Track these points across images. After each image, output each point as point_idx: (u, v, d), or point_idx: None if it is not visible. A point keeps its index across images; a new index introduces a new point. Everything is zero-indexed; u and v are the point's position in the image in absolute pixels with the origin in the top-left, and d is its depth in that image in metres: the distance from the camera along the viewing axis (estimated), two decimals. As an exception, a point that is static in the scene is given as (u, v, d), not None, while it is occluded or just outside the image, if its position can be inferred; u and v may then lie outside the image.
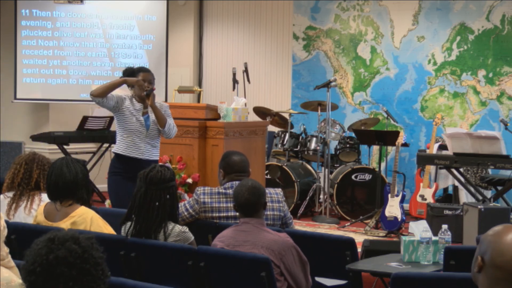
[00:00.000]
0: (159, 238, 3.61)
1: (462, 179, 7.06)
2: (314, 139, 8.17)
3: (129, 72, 5.32)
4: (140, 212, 3.63)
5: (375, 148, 8.45)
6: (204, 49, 10.15)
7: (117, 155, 5.29)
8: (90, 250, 1.88)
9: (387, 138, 7.41)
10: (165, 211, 3.62)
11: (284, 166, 7.80)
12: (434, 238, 4.17)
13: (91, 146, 8.86)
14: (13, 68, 8.81)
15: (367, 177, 7.70)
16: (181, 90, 7.43)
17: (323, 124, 8.09)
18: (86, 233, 2.05)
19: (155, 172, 3.66)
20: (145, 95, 5.16)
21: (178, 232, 3.63)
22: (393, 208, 6.92)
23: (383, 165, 8.24)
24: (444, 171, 7.43)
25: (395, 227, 6.86)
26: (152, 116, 5.20)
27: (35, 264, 1.85)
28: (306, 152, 8.20)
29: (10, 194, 4.24)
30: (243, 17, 9.86)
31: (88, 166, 6.44)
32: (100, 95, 5.19)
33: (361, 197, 7.81)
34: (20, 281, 2.44)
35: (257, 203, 3.65)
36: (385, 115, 8.29)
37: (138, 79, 5.18)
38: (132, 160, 5.19)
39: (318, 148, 7.98)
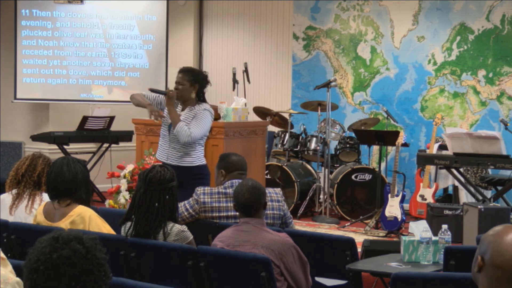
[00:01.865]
0: (158, 238, 3.61)
1: (462, 179, 7.06)
2: (314, 139, 8.17)
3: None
4: (140, 212, 3.63)
5: (375, 148, 8.45)
6: (204, 49, 10.15)
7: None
8: (93, 250, 1.88)
9: (387, 138, 7.41)
10: (164, 212, 3.62)
11: (284, 166, 7.80)
12: (434, 238, 4.17)
13: (91, 146, 8.86)
14: (13, 68, 8.81)
15: (367, 177, 7.70)
16: (181, 90, 7.41)
17: (323, 124, 8.09)
18: (88, 233, 2.05)
19: (154, 172, 3.66)
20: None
21: (177, 232, 3.63)
22: (393, 208, 6.93)
23: (383, 165, 8.25)
24: (444, 171, 7.43)
25: (395, 227, 6.86)
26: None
27: (38, 263, 1.85)
28: (306, 152, 8.20)
29: (14, 191, 4.27)
30: (243, 17, 9.86)
31: (88, 166, 6.44)
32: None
33: (361, 197, 7.81)
34: (17, 278, 2.45)
35: (257, 203, 3.65)
36: (385, 115, 8.29)
37: (153, 108, 5.15)
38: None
39: (318, 148, 7.98)
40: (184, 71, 5.20)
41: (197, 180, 5.05)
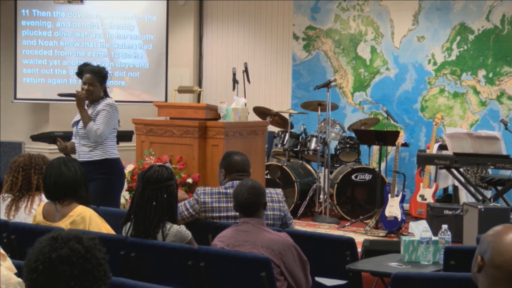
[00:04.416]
0: (157, 239, 3.61)
1: (462, 179, 7.06)
2: (314, 139, 8.17)
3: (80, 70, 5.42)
4: (138, 212, 3.63)
5: (375, 148, 8.46)
6: (204, 49, 10.15)
7: None
8: (93, 250, 1.88)
9: (387, 138, 7.41)
10: (162, 211, 3.61)
11: (284, 166, 7.80)
12: (434, 238, 4.17)
13: (91, 146, 8.84)
14: (13, 68, 8.81)
15: (367, 177, 7.70)
16: (181, 90, 7.43)
17: (323, 124, 8.09)
18: (88, 233, 2.05)
19: (152, 171, 3.66)
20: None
21: (175, 232, 3.62)
22: (393, 208, 6.93)
23: (383, 165, 8.24)
24: (444, 171, 7.43)
25: (395, 227, 6.86)
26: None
27: (37, 262, 1.85)
28: (306, 152, 8.20)
29: (9, 194, 4.22)
30: (243, 17, 9.86)
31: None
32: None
33: (361, 197, 7.81)
34: (19, 279, 2.45)
35: (257, 203, 3.65)
36: (385, 115, 8.29)
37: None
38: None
39: (318, 148, 7.98)
40: (93, 72, 5.30)
41: (102, 176, 5.16)
